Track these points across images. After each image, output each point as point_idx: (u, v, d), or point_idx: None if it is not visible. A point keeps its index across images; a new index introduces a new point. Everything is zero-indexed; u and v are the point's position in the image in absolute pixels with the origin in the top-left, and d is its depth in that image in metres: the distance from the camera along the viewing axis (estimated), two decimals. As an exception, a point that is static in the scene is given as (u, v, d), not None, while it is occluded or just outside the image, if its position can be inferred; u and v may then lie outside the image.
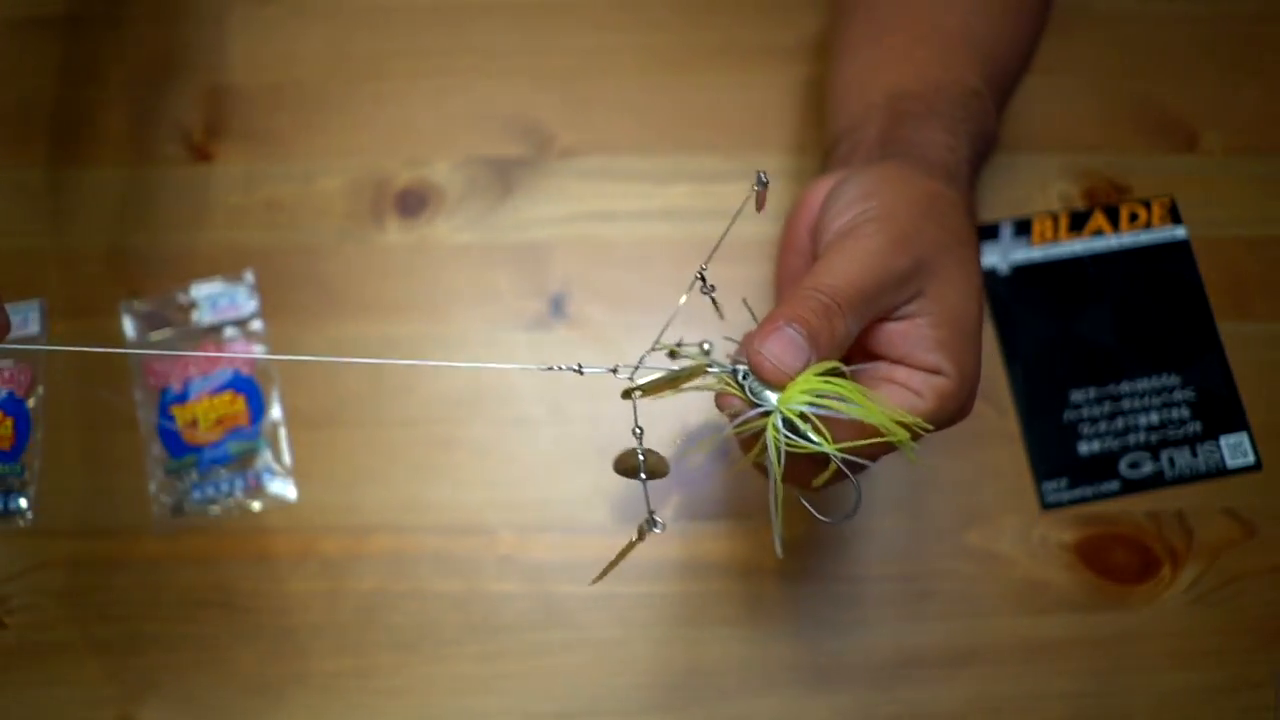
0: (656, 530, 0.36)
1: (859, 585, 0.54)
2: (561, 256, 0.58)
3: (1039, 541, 0.55)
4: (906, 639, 0.53)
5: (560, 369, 0.36)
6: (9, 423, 0.54)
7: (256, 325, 0.57)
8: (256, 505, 0.54)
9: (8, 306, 0.56)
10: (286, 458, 0.55)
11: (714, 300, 0.38)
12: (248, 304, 0.57)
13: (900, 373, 0.38)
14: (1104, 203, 0.60)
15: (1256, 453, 0.56)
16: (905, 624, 0.53)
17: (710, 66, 0.62)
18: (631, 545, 0.37)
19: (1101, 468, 0.56)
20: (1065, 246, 0.59)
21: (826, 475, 0.35)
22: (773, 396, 0.34)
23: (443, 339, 0.57)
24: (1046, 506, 0.55)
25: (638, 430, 0.36)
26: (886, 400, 0.36)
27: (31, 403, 0.55)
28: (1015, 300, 0.58)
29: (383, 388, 0.56)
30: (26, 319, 0.56)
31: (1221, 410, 0.56)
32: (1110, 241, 0.59)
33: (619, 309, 0.58)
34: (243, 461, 0.55)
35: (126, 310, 0.56)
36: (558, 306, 0.58)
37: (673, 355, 0.40)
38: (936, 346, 0.37)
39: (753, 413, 0.35)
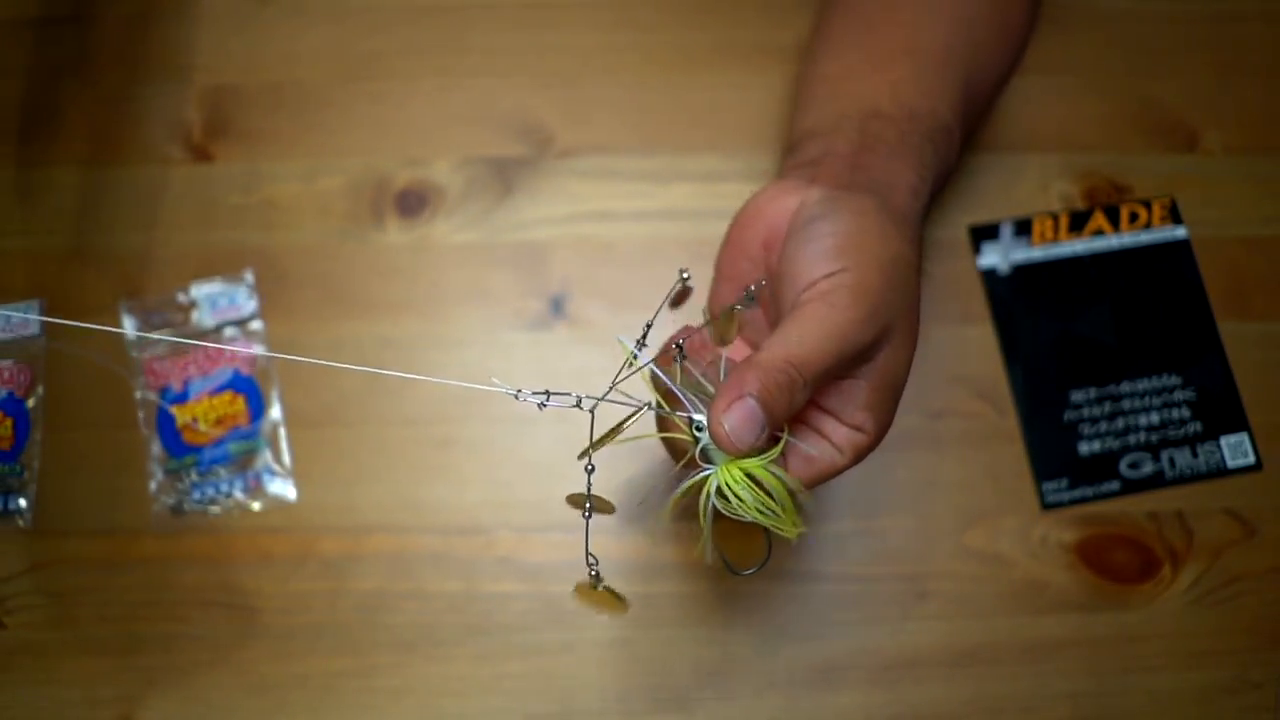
0: (593, 574, 0.39)
1: (859, 585, 0.54)
2: (561, 256, 0.58)
3: (1039, 542, 0.55)
4: (906, 639, 0.53)
5: (527, 398, 0.37)
6: (9, 423, 0.54)
7: (256, 325, 0.57)
8: (256, 505, 0.54)
9: (7, 306, 0.57)
10: (286, 458, 0.55)
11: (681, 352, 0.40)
12: (248, 304, 0.57)
13: (827, 425, 0.39)
14: (1104, 203, 0.60)
15: (1256, 453, 0.56)
16: (905, 624, 0.53)
17: (709, 66, 0.62)
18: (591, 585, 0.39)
19: (1101, 468, 0.56)
20: (1065, 246, 0.59)
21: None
22: (718, 457, 0.37)
23: (442, 339, 0.57)
24: (1046, 506, 0.55)
25: (590, 467, 0.38)
26: (792, 482, 0.37)
27: (31, 403, 0.55)
28: (1015, 300, 0.58)
29: (382, 388, 0.56)
30: (26, 319, 0.56)
31: (1221, 410, 0.56)
32: (1110, 241, 0.59)
33: (619, 309, 0.58)
34: (243, 461, 0.55)
35: (126, 310, 0.56)
36: (558, 306, 0.58)
37: (654, 377, 0.40)
38: (866, 407, 0.38)
39: (697, 475, 0.37)
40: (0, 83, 0.60)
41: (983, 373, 0.57)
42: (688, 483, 0.37)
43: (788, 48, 0.61)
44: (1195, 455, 0.56)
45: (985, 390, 0.57)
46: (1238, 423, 0.56)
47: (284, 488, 0.55)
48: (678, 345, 0.40)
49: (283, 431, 0.55)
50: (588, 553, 0.38)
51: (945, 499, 0.55)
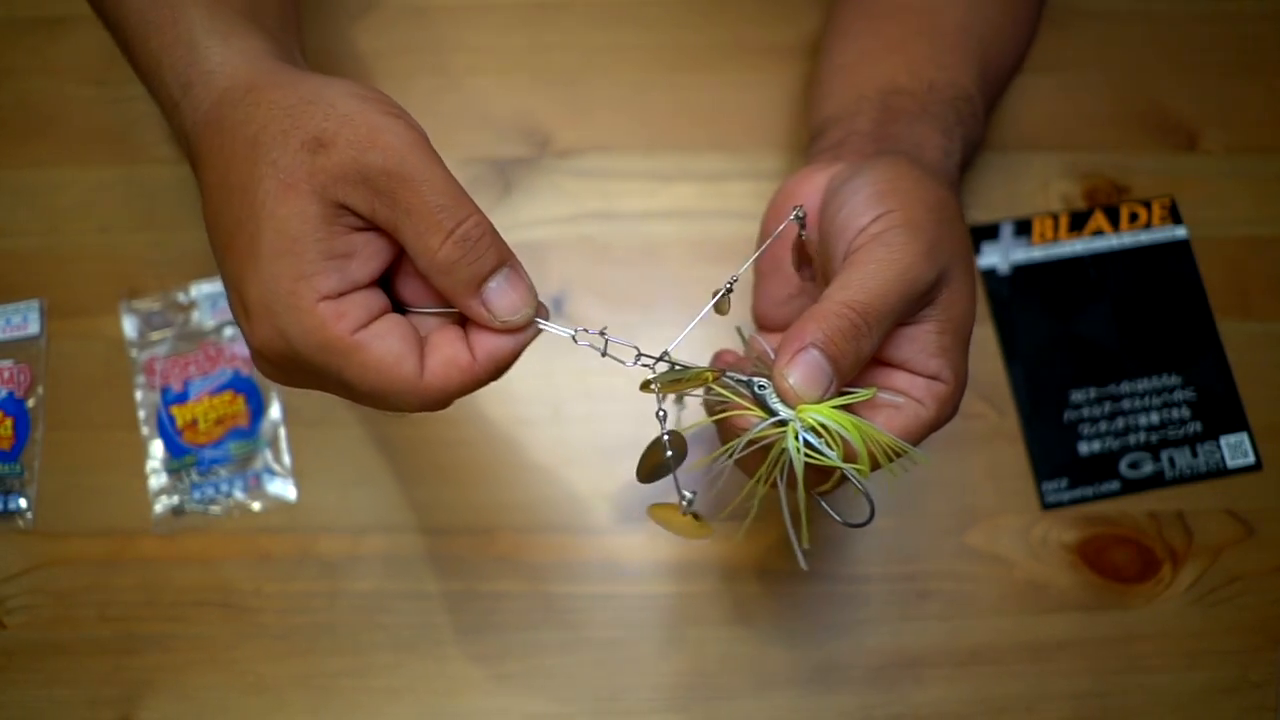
0: (689, 506, 0.37)
1: (859, 585, 0.54)
2: (561, 256, 0.58)
3: (1039, 542, 0.54)
4: (906, 639, 0.53)
5: (584, 344, 0.37)
6: (9, 423, 0.54)
7: (256, 325, 0.57)
8: (256, 505, 0.54)
9: (7, 306, 0.57)
10: (286, 458, 0.55)
11: (740, 331, 0.38)
12: (247, 304, 0.56)
13: (901, 380, 0.37)
14: (1104, 203, 0.60)
15: (1256, 453, 0.56)
16: (905, 624, 0.53)
17: (711, 65, 0.62)
18: (680, 512, 0.38)
19: (1102, 468, 0.56)
20: (1065, 246, 0.59)
21: (834, 481, 0.36)
22: (787, 410, 0.34)
23: (442, 339, 0.57)
24: (1047, 506, 0.55)
25: (661, 413, 0.36)
26: (878, 432, 0.35)
27: (31, 403, 0.55)
28: (1015, 300, 0.58)
29: (382, 388, 0.56)
30: (26, 319, 0.56)
31: (1221, 410, 0.56)
32: (1110, 241, 0.59)
33: (619, 309, 0.58)
34: (243, 461, 0.55)
35: (126, 310, 0.56)
36: (558, 307, 0.58)
37: (673, 366, 0.39)
38: (940, 353, 0.37)
39: (768, 422, 0.35)
40: (0, 82, 0.60)
41: (983, 373, 0.57)
42: (757, 429, 0.35)
43: (790, 47, 0.61)
44: (1195, 455, 0.56)
45: (985, 390, 0.57)
46: (1238, 423, 0.56)
47: (284, 488, 0.55)
48: (727, 287, 0.38)
49: (283, 431, 0.55)
50: (679, 489, 0.37)
51: (945, 499, 0.55)
